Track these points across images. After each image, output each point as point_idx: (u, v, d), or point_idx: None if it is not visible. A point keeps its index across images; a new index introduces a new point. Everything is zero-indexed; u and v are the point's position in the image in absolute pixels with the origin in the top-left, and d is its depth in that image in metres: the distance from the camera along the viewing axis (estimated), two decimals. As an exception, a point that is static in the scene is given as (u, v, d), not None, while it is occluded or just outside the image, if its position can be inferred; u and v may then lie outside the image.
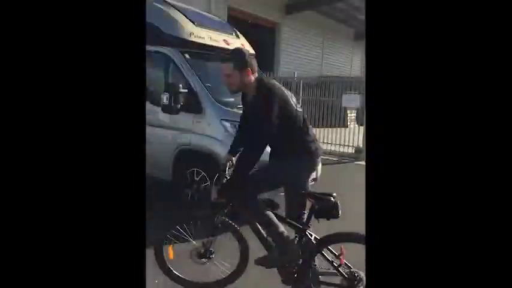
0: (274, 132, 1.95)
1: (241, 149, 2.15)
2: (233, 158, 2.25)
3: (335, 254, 2.00)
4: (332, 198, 1.97)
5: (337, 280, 2.03)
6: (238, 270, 2.23)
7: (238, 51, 2.12)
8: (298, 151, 2.08)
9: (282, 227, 2.09)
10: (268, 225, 2.08)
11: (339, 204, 1.98)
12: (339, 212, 1.98)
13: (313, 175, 2.16)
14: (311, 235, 2.05)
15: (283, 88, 2.09)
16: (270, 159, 2.18)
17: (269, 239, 2.10)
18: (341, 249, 1.99)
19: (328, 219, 1.98)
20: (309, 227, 2.04)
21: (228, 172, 2.14)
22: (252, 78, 2.04)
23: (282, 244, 2.07)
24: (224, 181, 2.04)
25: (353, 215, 2.49)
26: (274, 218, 2.09)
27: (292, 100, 2.08)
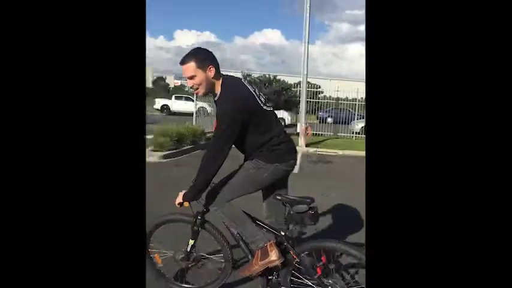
0: (238, 133, 1.83)
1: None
2: None
3: (315, 262, 1.89)
4: (310, 203, 1.85)
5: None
6: (223, 276, 2.14)
7: (198, 49, 1.94)
8: (269, 153, 1.92)
9: (259, 232, 1.98)
10: (247, 230, 1.98)
11: (317, 209, 1.87)
12: (317, 218, 1.87)
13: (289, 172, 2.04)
14: (291, 240, 1.93)
15: (249, 87, 1.96)
16: (243, 161, 2.06)
17: (247, 242, 2.00)
18: (322, 257, 1.88)
19: (304, 226, 1.88)
20: (287, 232, 1.94)
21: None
22: (217, 75, 1.89)
23: (261, 247, 1.95)
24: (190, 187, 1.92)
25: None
26: (251, 222, 1.99)
27: (260, 99, 1.95)
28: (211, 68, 1.87)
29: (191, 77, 1.86)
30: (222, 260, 2.12)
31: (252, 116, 1.87)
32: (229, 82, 1.92)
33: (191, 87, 1.91)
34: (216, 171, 1.85)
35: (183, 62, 1.86)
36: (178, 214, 2.11)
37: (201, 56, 1.88)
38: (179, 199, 1.94)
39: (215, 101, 1.95)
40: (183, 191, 1.93)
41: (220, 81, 1.91)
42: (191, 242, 2.07)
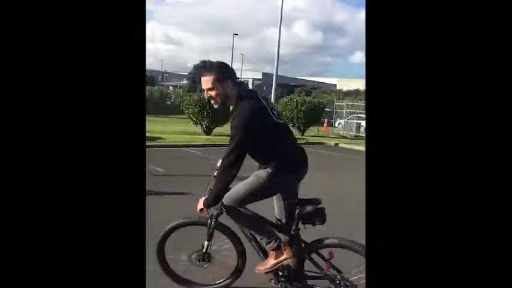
0: (253, 143, 1.98)
1: None
2: None
3: (324, 258, 2.07)
4: (318, 205, 2.05)
5: (325, 284, 2.10)
6: (236, 273, 2.31)
7: (219, 63, 2.10)
8: (282, 162, 2.07)
9: (273, 233, 2.15)
10: (262, 231, 2.15)
11: (324, 209, 2.06)
12: (325, 218, 2.06)
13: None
14: (300, 240, 2.11)
15: (262, 100, 2.10)
16: (258, 170, 2.18)
17: (262, 242, 2.16)
18: (329, 253, 2.05)
19: (314, 225, 2.06)
20: (298, 232, 2.10)
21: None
22: (234, 89, 2.04)
23: (275, 247, 2.13)
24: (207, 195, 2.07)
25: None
26: (264, 224, 2.15)
27: (273, 112, 2.09)
28: (229, 81, 2.03)
29: (210, 89, 2.01)
30: (236, 258, 2.29)
31: (264, 128, 2.01)
32: (244, 95, 2.05)
33: (209, 98, 2.06)
34: (232, 179, 1.99)
35: (204, 74, 2.01)
36: (193, 218, 2.28)
37: (221, 70, 2.03)
38: (200, 205, 2.07)
39: (231, 112, 2.09)
40: (203, 198, 2.07)
41: (236, 93, 2.04)
42: (206, 243, 2.20)
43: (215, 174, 2.12)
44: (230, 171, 1.97)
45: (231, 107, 2.09)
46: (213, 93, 2.02)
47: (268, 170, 2.09)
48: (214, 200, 2.04)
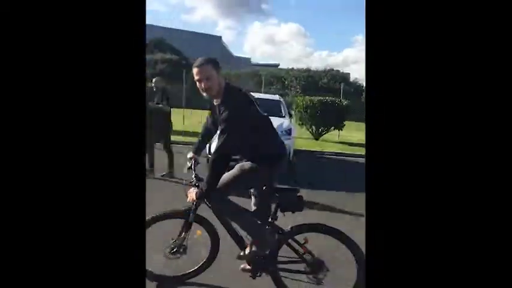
0: (243, 135, 2.04)
1: (203, 148, 2.44)
2: (196, 157, 2.42)
3: (299, 243, 2.17)
4: (296, 193, 2.17)
5: (301, 267, 2.20)
6: (209, 260, 2.35)
7: (211, 57, 2.16)
8: (265, 154, 2.15)
9: (256, 221, 2.21)
10: (243, 221, 2.20)
11: (302, 197, 2.17)
12: (303, 206, 2.17)
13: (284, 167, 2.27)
14: (277, 227, 2.19)
15: (248, 93, 2.19)
16: (239, 161, 2.26)
17: (242, 232, 2.23)
18: (304, 238, 2.17)
19: (293, 212, 2.16)
20: (275, 219, 2.18)
21: (193, 170, 2.32)
22: (222, 81, 2.11)
23: (259, 236, 2.19)
24: (201, 185, 2.10)
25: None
26: (249, 215, 2.22)
27: (257, 104, 2.17)
28: (219, 73, 2.10)
29: (207, 78, 2.05)
30: (209, 246, 2.33)
31: (251, 121, 2.07)
32: (234, 88, 2.12)
33: (204, 89, 2.08)
34: (223, 170, 2.06)
35: (200, 64, 2.06)
36: (171, 210, 2.29)
37: (215, 61, 2.11)
38: (192, 196, 2.11)
39: (217, 106, 2.13)
40: (194, 190, 2.12)
41: (224, 87, 2.10)
42: (184, 235, 2.23)
43: (191, 167, 2.25)
44: (221, 163, 2.02)
45: (215, 101, 2.15)
46: (210, 81, 2.05)
47: (251, 162, 2.15)
48: (206, 192, 2.07)
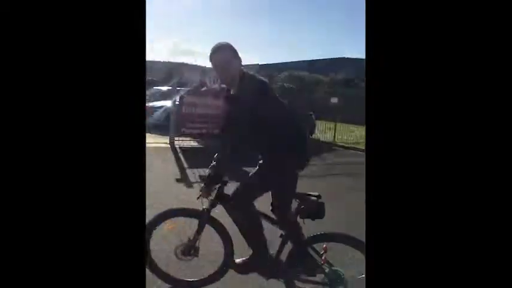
0: (259, 126, 1.93)
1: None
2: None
3: (318, 253, 2.07)
4: (317, 199, 2.03)
5: (319, 278, 2.08)
6: (223, 268, 2.23)
7: (229, 44, 2.04)
8: (282, 155, 2.02)
9: (264, 236, 2.11)
10: (254, 232, 2.10)
11: (323, 204, 2.03)
12: (323, 213, 2.04)
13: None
14: (297, 234, 2.08)
15: (265, 81, 2.04)
16: (259, 164, 2.15)
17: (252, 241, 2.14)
18: (324, 247, 2.05)
19: (313, 219, 2.04)
20: (296, 226, 2.07)
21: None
22: (239, 69, 2.00)
23: (260, 250, 2.12)
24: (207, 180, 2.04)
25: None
26: (261, 226, 2.10)
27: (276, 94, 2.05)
28: (238, 60, 1.99)
29: (229, 64, 1.96)
30: (223, 253, 2.21)
31: (268, 110, 1.94)
32: (255, 78, 1.99)
33: (223, 76, 2.00)
34: (228, 160, 1.97)
35: (218, 50, 1.96)
36: (190, 208, 2.18)
37: (234, 49, 2.00)
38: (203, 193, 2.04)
39: (232, 95, 2.04)
40: (203, 187, 2.04)
41: (240, 74, 1.99)
42: (196, 235, 2.13)
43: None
44: (231, 149, 1.96)
45: (231, 89, 2.05)
46: (231, 69, 1.97)
47: (270, 163, 2.05)
48: (212, 182, 2.01)
